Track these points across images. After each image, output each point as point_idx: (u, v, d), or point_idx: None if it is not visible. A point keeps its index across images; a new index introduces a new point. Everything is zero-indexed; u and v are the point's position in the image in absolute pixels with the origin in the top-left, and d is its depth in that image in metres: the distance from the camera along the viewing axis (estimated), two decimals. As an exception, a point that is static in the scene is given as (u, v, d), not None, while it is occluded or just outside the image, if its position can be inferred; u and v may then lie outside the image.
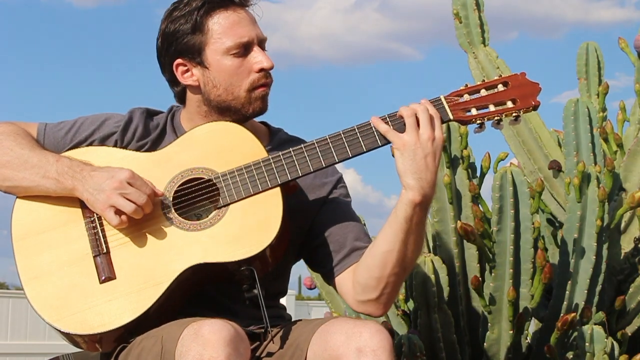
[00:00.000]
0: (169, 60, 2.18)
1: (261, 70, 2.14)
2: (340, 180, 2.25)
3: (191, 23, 2.13)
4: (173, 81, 2.21)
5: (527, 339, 2.87)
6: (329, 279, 2.19)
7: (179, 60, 2.17)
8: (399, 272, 2.07)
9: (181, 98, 2.23)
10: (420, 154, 2.01)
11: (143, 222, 2.05)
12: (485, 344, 2.79)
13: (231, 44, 2.13)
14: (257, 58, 2.14)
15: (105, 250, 2.05)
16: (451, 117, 2.09)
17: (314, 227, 2.18)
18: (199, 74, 2.16)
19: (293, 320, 2.17)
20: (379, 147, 2.08)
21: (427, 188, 2.01)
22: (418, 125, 2.03)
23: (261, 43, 2.17)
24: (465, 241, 2.83)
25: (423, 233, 2.08)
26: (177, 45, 2.15)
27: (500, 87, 2.11)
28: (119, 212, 2.03)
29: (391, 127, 2.05)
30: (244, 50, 2.14)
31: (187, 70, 2.17)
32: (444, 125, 2.76)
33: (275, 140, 2.25)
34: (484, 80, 2.14)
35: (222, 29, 2.13)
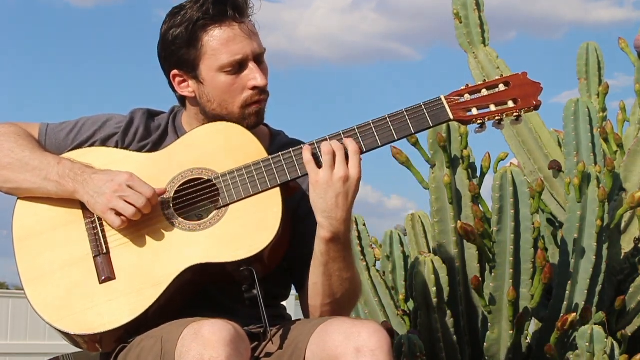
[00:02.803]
0: (167, 68, 2.19)
1: (254, 88, 2.13)
2: None
3: (187, 36, 2.11)
4: (172, 87, 2.21)
5: (527, 339, 2.87)
6: (296, 290, 2.21)
7: (175, 72, 2.17)
8: (332, 302, 2.07)
9: (181, 102, 2.24)
10: (332, 193, 1.99)
11: (143, 222, 2.05)
12: (485, 344, 2.79)
13: (225, 62, 2.11)
14: (251, 76, 2.12)
15: (105, 251, 2.05)
16: (451, 117, 2.07)
17: (295, 237, 2.14)
18: (194, 86, 2.16)
19: (292, 320, 2.17)
20: (379, 147, 2.08)
21: (338, 226, 2.00)
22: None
23: (257, 57, 2.14)
24: (465, 241, 2.83)
25: (348, 266, 2.06)
26: (173, 56, 2.15)
27: (502, 87, 2.10)
28: (119, 214, 2.03)
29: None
30: (238, 67, 2.12)
31: (183, 81, 2.17)
32: (444, 126, 2.80)
33: (276, 142, 2.24)
34: (484, 80, 2.14)
35: (216, 45, 2.11)
